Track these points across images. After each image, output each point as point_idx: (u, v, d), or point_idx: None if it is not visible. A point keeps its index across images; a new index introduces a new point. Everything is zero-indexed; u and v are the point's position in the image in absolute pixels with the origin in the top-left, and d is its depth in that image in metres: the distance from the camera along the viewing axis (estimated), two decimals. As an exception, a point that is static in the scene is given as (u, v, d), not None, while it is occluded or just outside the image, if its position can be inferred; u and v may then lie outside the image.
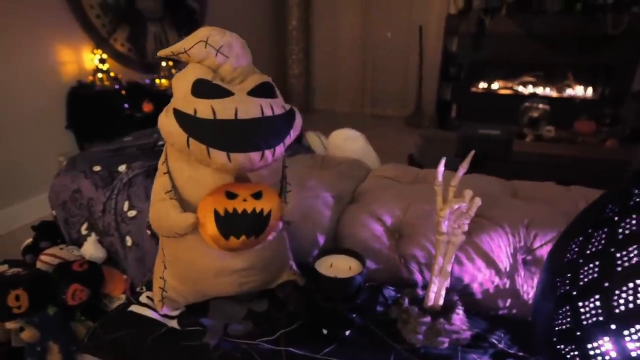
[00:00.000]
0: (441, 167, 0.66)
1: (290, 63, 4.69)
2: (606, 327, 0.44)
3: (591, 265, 0.47)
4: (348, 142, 1.32)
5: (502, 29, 3.93)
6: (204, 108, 0.60)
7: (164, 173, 0.67)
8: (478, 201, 0.66)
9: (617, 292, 0.43)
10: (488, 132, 2.49)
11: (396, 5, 4.39)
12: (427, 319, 0.69)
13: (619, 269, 0.44)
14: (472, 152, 0.65)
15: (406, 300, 0.73)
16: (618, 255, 0.44)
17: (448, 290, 0.75)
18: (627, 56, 3.62)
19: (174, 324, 0.72)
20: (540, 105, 2.44)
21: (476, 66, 4.21)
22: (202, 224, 0.58)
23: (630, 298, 0.42)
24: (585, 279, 0.47)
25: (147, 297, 0.78)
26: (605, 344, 0.44)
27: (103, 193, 1.14)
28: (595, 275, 0.46)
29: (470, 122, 3.69)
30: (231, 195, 0.57)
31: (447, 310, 0.71)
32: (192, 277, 0.71)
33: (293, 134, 0.67)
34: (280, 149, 0.65)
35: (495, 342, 0.69)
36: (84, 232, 1.21)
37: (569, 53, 3.87)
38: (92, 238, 1.19)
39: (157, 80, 2.86)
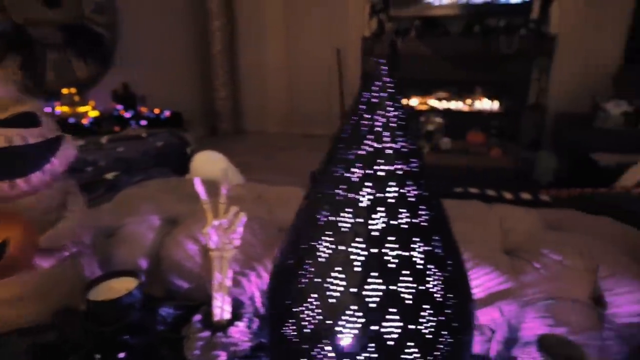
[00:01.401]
0: (199, 186, 0.69)
1: (217, 86, 4.71)
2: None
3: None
4: (209, 164, 1.34)
5: (413, 50, 4.21)
6: (-62, 140, 0.60)
7: None
8: (242, 217, 0.70)
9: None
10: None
11: (316, 29, 4.58)
12: (205, 333, 0.71)
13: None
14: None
15: (197, 317, 0.75)
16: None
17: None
18: (521, 73, 3.99)
19: (-56, 364, 0.69)
20: (436, 119, 2.62)
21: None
22: None
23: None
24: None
25: None
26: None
27: None
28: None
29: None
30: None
31: (230, 324, 0.73)
32: (-37, 313, 0.69)
33: (58, 162, 0.68)
34: (37, 177, 0.65)
35: (275, 350, 0.72)
36: None
37: (475, 71, 4.21)
38: None
39: (59, 108, 2.76)
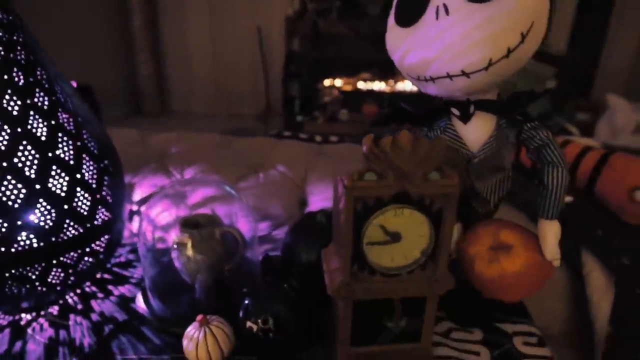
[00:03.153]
0: None
1: (139, 63, 4.58)
2: None
3: None
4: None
5: (335, 30, 4.30)
6: None
7: None
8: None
9: None
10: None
11: (239, 9, 4.55)
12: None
13: None
14: None
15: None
16: None
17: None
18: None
19: None
20: (333, 92, 2.71)
21: (319, 64, 4.53)
22: None
23: None
24: None
25: None
26: None
27: None
28: None
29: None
30: None
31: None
32: None
33: None
34: None
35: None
36: None
37: (395, 52, 4.36)
38: None
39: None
